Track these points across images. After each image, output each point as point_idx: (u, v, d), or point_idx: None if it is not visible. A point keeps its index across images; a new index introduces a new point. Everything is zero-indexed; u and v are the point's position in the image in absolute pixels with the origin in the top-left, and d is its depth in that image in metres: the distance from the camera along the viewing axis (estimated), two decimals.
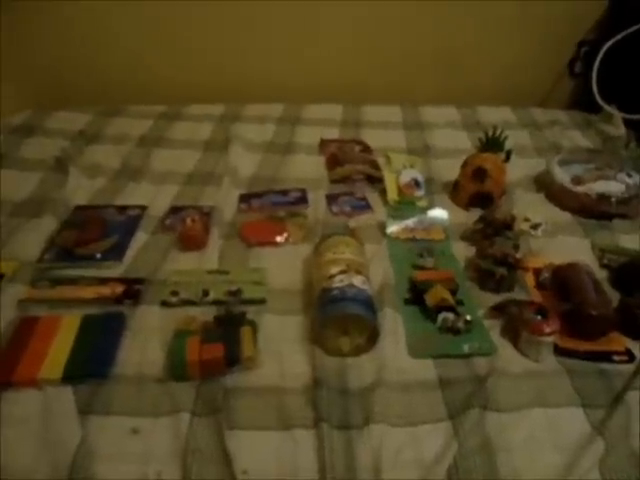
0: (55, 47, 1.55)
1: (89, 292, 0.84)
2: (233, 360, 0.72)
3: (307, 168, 1.23)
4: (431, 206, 1.09)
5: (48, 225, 1.00)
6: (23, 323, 0.79)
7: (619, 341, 0.80)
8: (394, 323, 0.81)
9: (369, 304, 0.77)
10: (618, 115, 1.45)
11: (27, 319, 0.80)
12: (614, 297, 0.85)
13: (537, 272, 0.92)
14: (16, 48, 1.50)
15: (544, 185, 1.18)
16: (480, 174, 1.07)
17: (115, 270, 0.91)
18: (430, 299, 0.83)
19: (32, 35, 1.51)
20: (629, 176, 1.13)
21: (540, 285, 0.90)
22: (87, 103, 1.49)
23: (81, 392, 0.70)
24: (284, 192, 1.14)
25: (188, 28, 1.54)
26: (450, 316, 0.81)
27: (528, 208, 1.09)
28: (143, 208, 1.07)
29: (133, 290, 0.85)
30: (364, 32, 1.58)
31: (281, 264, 0.93)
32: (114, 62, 1.58)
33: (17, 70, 1.48)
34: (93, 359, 0.74)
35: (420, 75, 1.66)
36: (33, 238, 0.96)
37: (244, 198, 1.12)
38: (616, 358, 0.78)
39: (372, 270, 0.89)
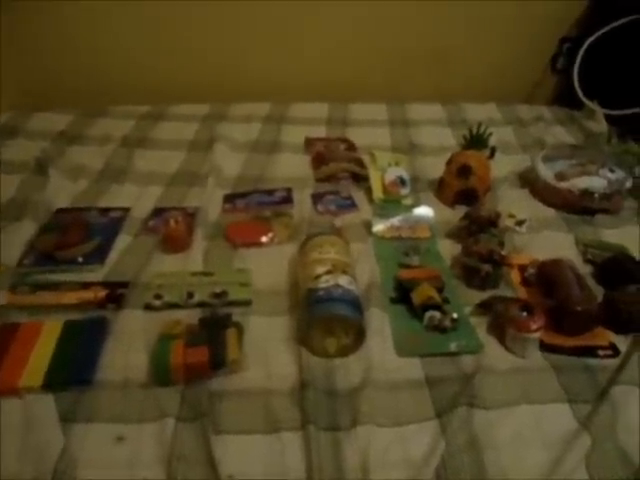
0: (37, 49, 1.52)
1: (71, 297, 0.83)
2: (218, 363, 0.71)
3: (293, 167, 1.22)
4: (416, 204, 1.09)
5: (28, 229, 0.98)
6: (3, 330, 0.77)
7: (604, 336, 0.81)
8: (381, 322, 0.81)
9: (355, 304, 0.77)
10: (600, 111, 1.46)
11: (7, 326, 0.78)
12: (598, 292, 0.86)
13: (522, 268, 0.92)
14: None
15: (528, 181, 1.18)
16: (465, 171, 1.07)
17: (97, 274, 0.89)
18: (416, 297, 0.83)
19: (11, 36, 1.49)
20: (611, 172, 1.14)
21: (525, 281, 0.90)
22: (69, 104, 1.46)
23: (63, 399, 0.68)
24: (269, 192, 1.13)
25: (173, 28, 1.53)
26: (436, 314, 0.80)
27: (513, 204, 1.09)
28: (126, 210, 1.05)
29: (116, 294, 0.84)
30: (350, 31, 1.57)
31: (267, 265, 0.92)
32: (97, 63, 1.56)
33: (5, 70, 1.46)
34: (75, 365, 0.72)
35: (406, 73, 1.65)
36: (13, 242, 0.94)
37: (229, 198, 1.11)
38: (601, 353, 0.78)
39: (358, 269, 0.88)
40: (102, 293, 0.84)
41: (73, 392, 0.69)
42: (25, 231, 0.97)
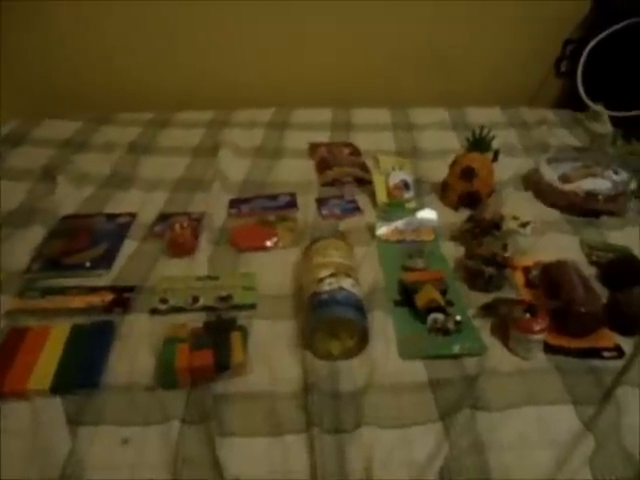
0: (43, 57, 1.55)
1: (78, 302, 0.84)
2: (223, 366, 0.72)
3: (297, 172, 1.23)
4: (420, 207, 1.09)
5: (36, 235, 0.99)
6: (11, 334, 0.78)
7: (609, 337, 0.81)
8: (384, 325, 0.81)
9: (359, 307, 0.77)
10: (604, 113, 1.46)
11: (15, 330, 0.79)
12: (603, 294, 0.86)
13: (526, 270, 0.92)
14: (6, 58, 1.50)
15: (532, 184, 1.18)
16: (468, 174, 1.07)
17: (104, 278, 0.91)
18: (420, 300, 0.83)
19: (19, 45, 1.52)
20: (616, 173, 1.13)
21: (529, 283, 0.90)
22: (75, 112, 1.48)
23: (71, 402, 0.69)
24: (274, 196, 1.14)
25: (177, 35, 1.55)
26: (440, 317, 0.81)
27: (517, 207, 1.09)
28: (132, 216, 1.06)
29: (122, 298, 0.85)
30: (353, 35, 1.59)
31: (271, 268, 0.93)
32: (103, 70, 1.58)
33: (6, 79, 1.49)
34: (83, 369, 0.73)
35: (409, 77, 1.67)
36: (21, 248, 0.96)
37: (234, 203, 1.12)
38: (606, 354, 0.78)
39: (362, 272, 0.89)
40: (109, 297, 0.85)
41: (80, 395, 0.70)
42: (33, 237, 0.99)
